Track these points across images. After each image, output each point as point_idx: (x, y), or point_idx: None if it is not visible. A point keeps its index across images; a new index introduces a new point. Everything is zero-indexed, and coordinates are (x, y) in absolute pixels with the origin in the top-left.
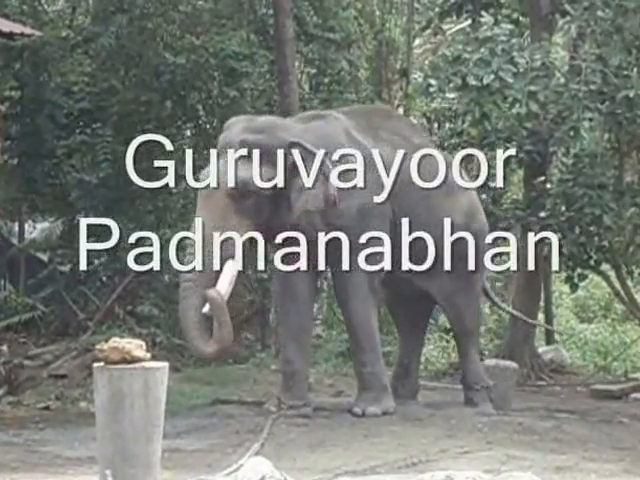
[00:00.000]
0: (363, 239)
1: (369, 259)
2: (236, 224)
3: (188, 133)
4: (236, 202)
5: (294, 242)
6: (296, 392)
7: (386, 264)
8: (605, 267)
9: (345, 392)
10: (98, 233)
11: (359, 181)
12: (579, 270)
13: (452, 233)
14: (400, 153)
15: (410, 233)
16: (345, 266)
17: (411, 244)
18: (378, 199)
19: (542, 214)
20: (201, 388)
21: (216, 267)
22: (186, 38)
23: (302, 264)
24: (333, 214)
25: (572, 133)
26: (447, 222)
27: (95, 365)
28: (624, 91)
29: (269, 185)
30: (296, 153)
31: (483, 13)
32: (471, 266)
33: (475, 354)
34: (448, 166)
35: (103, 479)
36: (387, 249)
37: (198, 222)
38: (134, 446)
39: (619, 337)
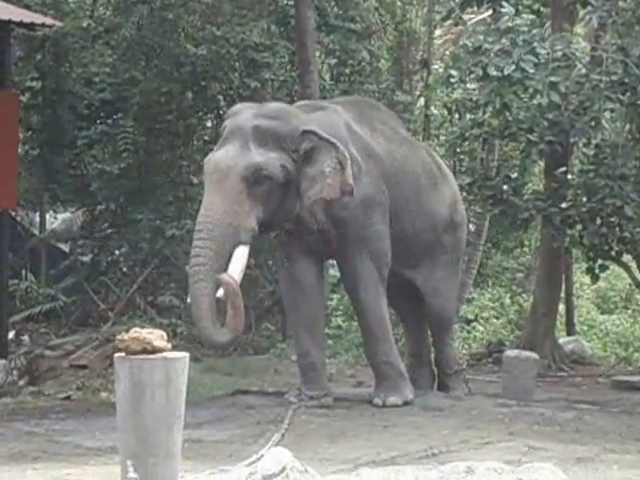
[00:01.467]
0: (368, 230)
1: (376, 250)
2: (248, 210)
3: (209, 124)
4: (250, 187)
5: (299, 233)
6: (316, 383)
7: (389, 253)
8: (626, 258)
9: (366, 383)
10: (119, 223)
11: (361, 174)
12: (600, 261)
13: (439, 226)
14: (394, 144)
15: (403, 227)
16: (351, 257)
17: (402, 238)
18: (379, 190)
19: (563, 205)
20: (222, 378)
21: (228, 253)
22: (207, 29)
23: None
24: (338, 205)
25: (593, 124)
26: (434, 214)
27: (116, 355)
28: None
29: (282, 172)
30: (310, 141)
31: (504, 3)
32: (453, 257)
33: (450, 339)
34: (431, 157)
35: (124, 469)
36: (385, 234)
37: (210, 205)
38: (155, 436)
39: None
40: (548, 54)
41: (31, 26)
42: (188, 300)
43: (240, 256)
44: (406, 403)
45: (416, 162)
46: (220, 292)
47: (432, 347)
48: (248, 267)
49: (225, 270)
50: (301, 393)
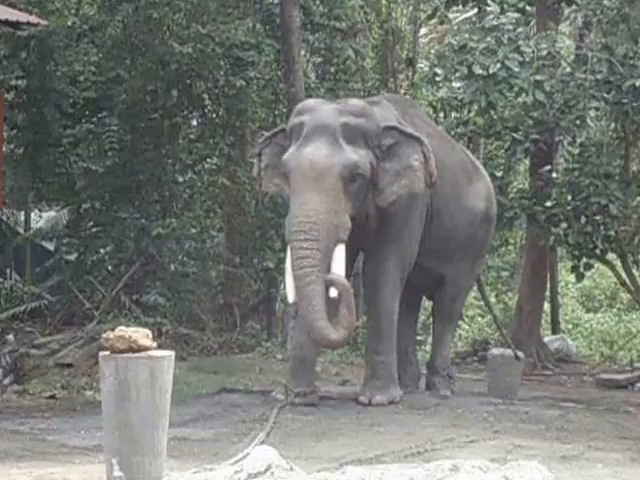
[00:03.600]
0: (405, 228)
1: (405, 249)
2: (344, 207)
3: (194, 122)
4: (345, 185)
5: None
6: (304, 378)
7: (415, 257)
8: (611, 256)
9: (351, 381)
10: (104, 222)
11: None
12: (585, 259)
13: (476, 221)
14: (435, 141)
15: (444, 223)
16: (382, 252)
17: (443, 234)
18: (423, 187)
19: (548, 203)
20: (207, 377)
21: (331, 252)
22: (192, 27)
23: None
24: (384, 200)
25: (578, 122)
26: (472, 209)
27: (101, 354)
28: (630, 80)
29: (370, 169)
30: (392, 137)
31: (489, 2)
32: (481, 251)
33: (450, 341)
34: (464, 153)
35: (109, 468)
36: (418, 237)
37: (311, 205)
38: (140, 435)
39: (625, 326)
40: (533, 52)
41: (16, 24)
42: (291, 300)
43: (341, 254)
44: (392, 403)
45: (454, 159)
46: (333, 292)
47: (432, 345)
48: (233, 266)
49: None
50: (287, 390)
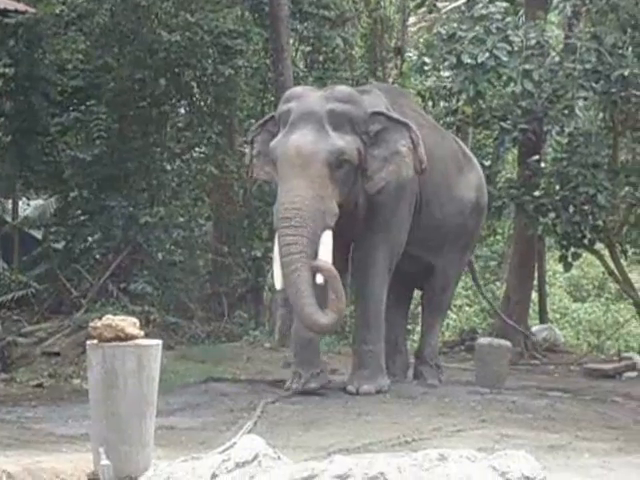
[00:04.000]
0: (394, 217)
1: (394, 238)
2: (331, 194)
3: (182, 111)
4: (331, 171)
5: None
6: (313, 361)
7: (403, 245)
8: (599, 246)
9: (339, 370)
10: (92, 210)
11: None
12: (573, 249)
13: (466, 210)
14: (425, 131)
15: (433, 212)
16: (371, 241)
17: (432, 224)
18: (412, 173)
19: (536, 193)
20: (194, 366)
21: (318, 238)
22: (180, 15)
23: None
24: (374, 189)
25: (567, 112)
26: (462, 198)
27: (88, 342)
28: (619, 70)
29: (357, 155)
30: (380, 122)
31: None
32: (471, 241)
33: (438, 331)
34: (456, 143)
35: (96, 456)
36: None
37: (298, 191)
38: (127, 424)
39: (612, 316)
40: (522, 42)
41: (3, 12)
42: (278, 287)
43: (328, 240)
44: (379, 392)
45: (444, 149)
46: (320, 278)
47: (421, 334)
48: (221, 254)
49: (316, 255)
50: (301, 376)
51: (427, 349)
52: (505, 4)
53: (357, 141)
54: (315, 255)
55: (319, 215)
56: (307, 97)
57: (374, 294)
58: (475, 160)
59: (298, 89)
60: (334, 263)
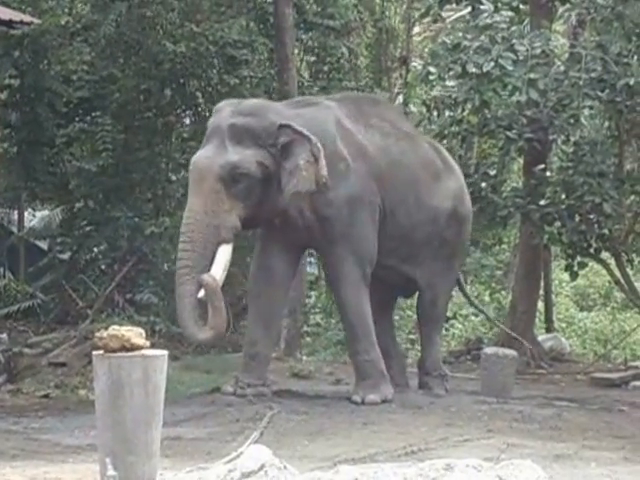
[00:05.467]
0: (353, 229)
1: (360, 249)
2: (228, 208)
3: (187, 121)
4: (227, 186)
5: (283, 227)
6: (255, 372)
7: (374, 253)
8: (605, 255)
9: (344, 380)
10: (97, 221)
11: (348, 171)
12: (579, 258)
13: (440, 219)
14: (391, 139)
15: (400, 221)
16: (335, 254)
17: (400, 233)
18: (367, 189)
19: (542, 202)
20: (200, 376)
21: (211, 252)
22: (186, 26)
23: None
24: (322, 202)
25: (572, 121)
26: (436, 207)
27: (94, 353)
28: (624, 79)
29: (259, 168)
30: (287, 135)
31: (483, 0)
32: (454, 251)
33: (438, 340)
34: (435, 151)
35: (103, 467)
36: (372, 234)
37: (191, 207)
38: (134, 434)
39: (619, 325)
40: (527, 51)
41: (9, 23)
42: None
43: (223, 255)
44: (385, 401)
45: (415, 156)
46: (202, 293)
47: (421, 347)
48: None
49: (209, 269)
50: (238, 381)
51: (428, 361)
52: (510, 13)
53: (260, 154)
54: (208, 269)
55: (211, 230)
56: (220, 112)
57: (350, 304)
58: (457, 169)
59: (221, 104)
60: (279, 273)
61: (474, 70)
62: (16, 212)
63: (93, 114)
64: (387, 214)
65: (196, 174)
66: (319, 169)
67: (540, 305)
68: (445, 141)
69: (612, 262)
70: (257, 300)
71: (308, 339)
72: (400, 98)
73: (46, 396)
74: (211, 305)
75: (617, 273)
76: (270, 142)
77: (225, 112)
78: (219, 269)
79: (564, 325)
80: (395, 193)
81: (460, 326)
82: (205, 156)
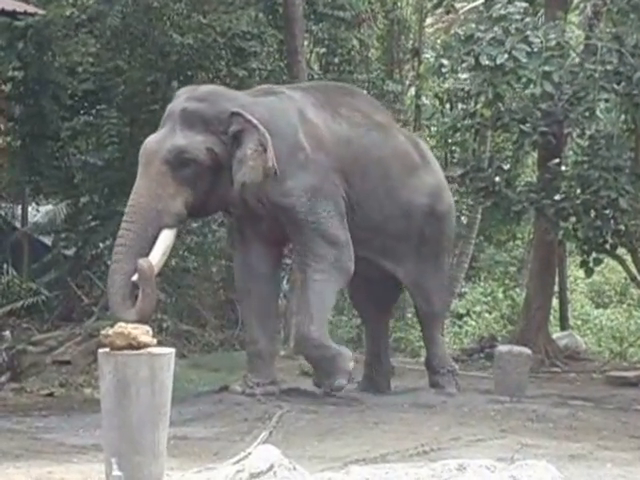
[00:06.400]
0: (319, 216)
1: (331, 237)
2: (173, 193)
3: None
4: (174, 170)
5: (250, 218)
6: (263, 371)
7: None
8: (621, 251)
9: (356, 379)
10: (103, 216)
11: (308, 162)
12: (594, 254)
13: (416, 215)
14: (361, 130)
15: (370, 213)
16: (305, 239)
17: (370, 224)
18: (326, 182)
19: (557, 197)
20: (208, 375)
21: (151, 236)
22: (193, 17)
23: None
24: (279, 192)
25: (587, 114)
26: (409, 202)
27: (100, 351)
28: None
29: (208, 155)
30: (238, 123)
31: None
32: (438, 248)
33: (440, 337)
34: (412, 144)
35: (109, 467)
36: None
37: (137, 189)
38: (140, 434)
39: (635, 323)
40: (541, 43)
41: (13, 14)
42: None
43: (164, 240)
44: (350, 379)
45: (387, 149)
46: (136, 276)
47: (425, 347)
48: (231, 261)
49: (148, 253)
50: (246, 381)
51: (435, 360)
52: (524, 4)
53: (210, 140)
54: (147, 252)
55: (153, 214)
56: (176, 98)
57: (315, 287)
58: (436, 164)
59: (180, 91)
60: (262, 266)
61: (487, 62)
62: (20, 207)
63: (98, 107)
64: (354, 206)
65: (144, 157)
66: (266, 159)
67: (555, 302)
68: (458, 134)
69: (628, 258)
70: (247, 298)
71: None
72: (412, 90)
73: (50, 395)
74: (142, 291)
75: (633, 269)
76: (221, 129)
77: (180, 98)
78: (158, 253)
79: (579, 322)
80: (363, 184)
81: (473, 323)
82: (155, 140)
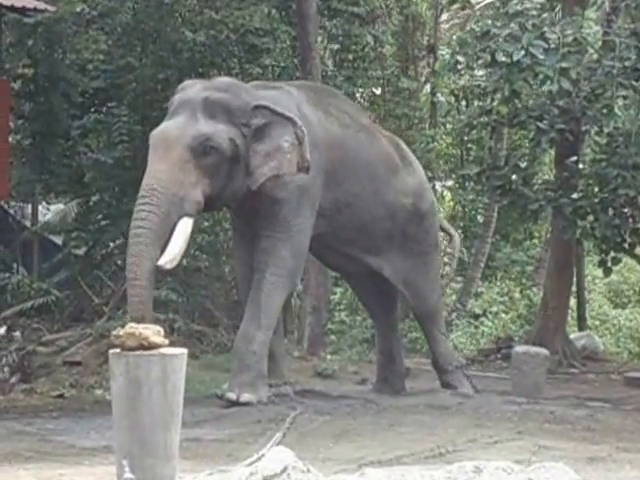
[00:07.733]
0: (296, 217)
1: (296, 241)
2: (195, 181)
3: None
4: (197, 158)
5: (247, 214)
6: (275, 372)
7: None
8: None
9: (370, 379)
10: (113, 215)
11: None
12: (613, 253)
13: (400, 214)
14: (350, 131)
15: (357, 214)
16: (271, 237)
17: (357, 225)
18: (313, 184)
19: (574, 195)
20: (220, 375)
21: (172, 222)
22: (205, 13)
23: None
24: (276, 185)
25: (605, 111)
26: (393, 203)
27: (111, 352)
28: None
29: (230, 145)
30: (263, 116)
31: None
32: (423, 246)
33: (440, 335)
34: (394, 146)
35: (120, 469)
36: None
37: (156, 173)
38: (152, 435)
39: None
40: (559, 39)
41: (23, 11)
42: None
43: (183, 228)
44: (259, 402)
45: (373, 151)
46: (162, 260)
47: (429, 347)
48: None
49: (168, 240)
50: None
51: (440, 358)
52: (541, 0)
53: (233, 131)
54: (166, 238)
55: (176, 200)
56: (189, 87)
57: (269, 289)
58: (417, 165)
59: (188, 82)
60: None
61: (504, 59)
62: (30, 206)
63: (109, 104)
64: (341, 207)
65: (162, 143)
66: (303, 152)
67: (572, 302)
68: (474, 131)
69: None
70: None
71: (332, 337)
72: (427, 87)
73: (61, 396)
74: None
75: None
76: (243, 121)
77: (195, 87)
78: (179, 241)
79: (597, 323)
80: (352, 186)
81: (490, 323)
82: (175, 127)
